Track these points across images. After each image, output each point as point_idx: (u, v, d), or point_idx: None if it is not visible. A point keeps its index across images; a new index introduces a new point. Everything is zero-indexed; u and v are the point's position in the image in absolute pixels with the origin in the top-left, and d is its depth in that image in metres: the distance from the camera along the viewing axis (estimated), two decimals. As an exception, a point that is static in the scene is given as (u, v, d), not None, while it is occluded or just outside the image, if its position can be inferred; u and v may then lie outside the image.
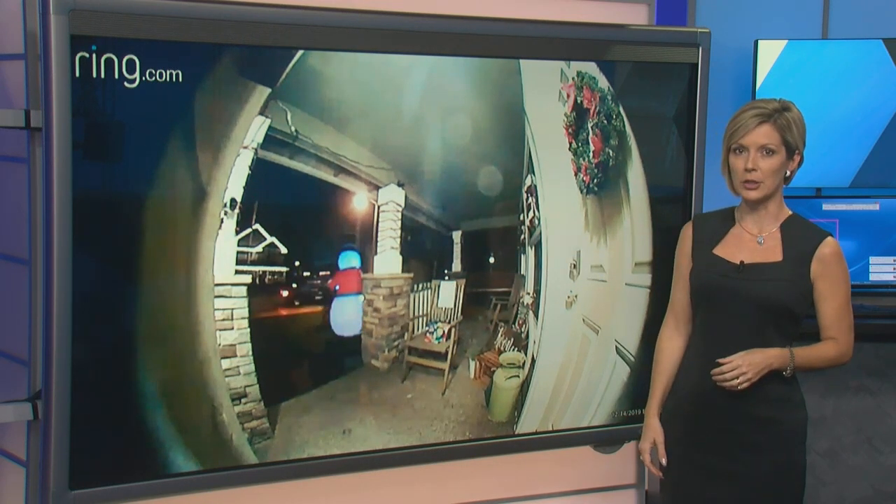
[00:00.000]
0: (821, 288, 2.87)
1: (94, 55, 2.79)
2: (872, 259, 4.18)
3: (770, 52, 4.19)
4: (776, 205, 2.93)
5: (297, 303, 3.14)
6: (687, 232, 3.05)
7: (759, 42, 4.19)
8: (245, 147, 3.03)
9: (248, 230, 3.07)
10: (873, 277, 4.19)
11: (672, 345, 3.07)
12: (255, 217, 3.07)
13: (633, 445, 3.73)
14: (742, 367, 2.81)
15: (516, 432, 3.48)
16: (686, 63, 3.57)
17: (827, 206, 4.19)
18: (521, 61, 3.35)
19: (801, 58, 4.20)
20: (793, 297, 2.86)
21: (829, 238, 2.90)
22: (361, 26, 3.10)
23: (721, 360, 2.84)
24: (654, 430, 3.03)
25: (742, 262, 2.91)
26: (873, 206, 4.18)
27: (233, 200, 3.04)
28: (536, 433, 3.51)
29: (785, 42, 4.20)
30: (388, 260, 3.27)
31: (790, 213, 2.96)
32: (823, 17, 4.37)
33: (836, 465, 4.16)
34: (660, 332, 3.13)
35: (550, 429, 3.53)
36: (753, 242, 2.93)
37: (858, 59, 4.20)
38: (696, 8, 4.15)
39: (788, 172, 2.90)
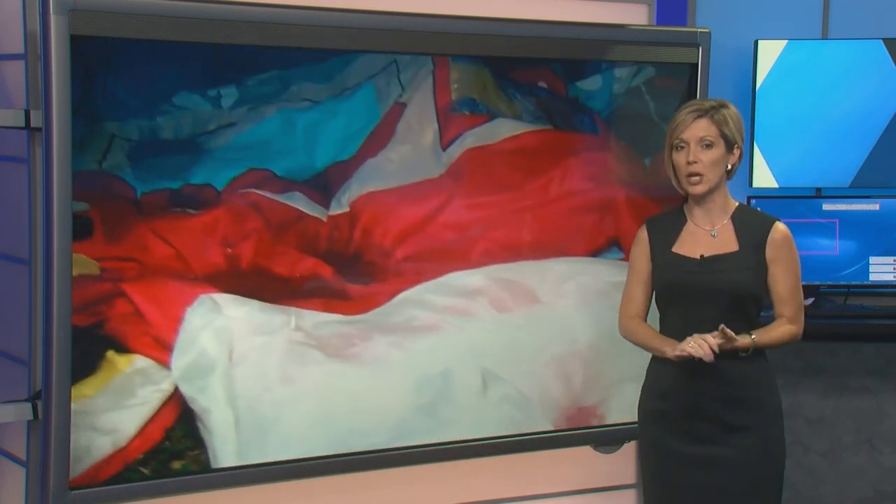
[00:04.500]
0: (774, 270, 2.99)
1: (93, 55, 2.79)
2: (872, 259, 4.18)
3: (770, 52, 4.19)
4: (723, 197, 3.04)
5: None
6: (642, 235, 3.12)
7: (759, 42, 4.19)
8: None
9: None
10: (873, 277, 4.18)
11: (640, 321, 3.10)
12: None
13: (633, 445, 3.73)
14: (706, 346, 2.84)
15: (517, 432, 3.48)
16: (686, 63, 3.57)
17: (827, 206, 4.19)
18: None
19: (801, 58, 4.20)
20: (755, 282, 2.98)
21: (779, 223, 3.03)
22: (362, 26, 3.10)
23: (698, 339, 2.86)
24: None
25: (702, 256, 3.00)
26: (873, 206, 4.18)
27: None
28: (536, 433, 3.51)
29: (785, 42, 4.19)
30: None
31: (737, 203, 3.08)
32: (823, 17, 4.37)
33: (836, 465, 4.15)
34: (624, 321, 3.13)
35: (550, 429, 3.54)
36: (707, 236, 3.03)
37: (858, 59, 4.20)
38: (696, 8, 4.15)
39: (730, 166, 3.01)
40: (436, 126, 3.24)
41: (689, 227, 3.06)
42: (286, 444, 3.13)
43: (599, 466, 3.85)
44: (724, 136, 2.96)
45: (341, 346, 3.16)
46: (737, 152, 3.00)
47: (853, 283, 4.20)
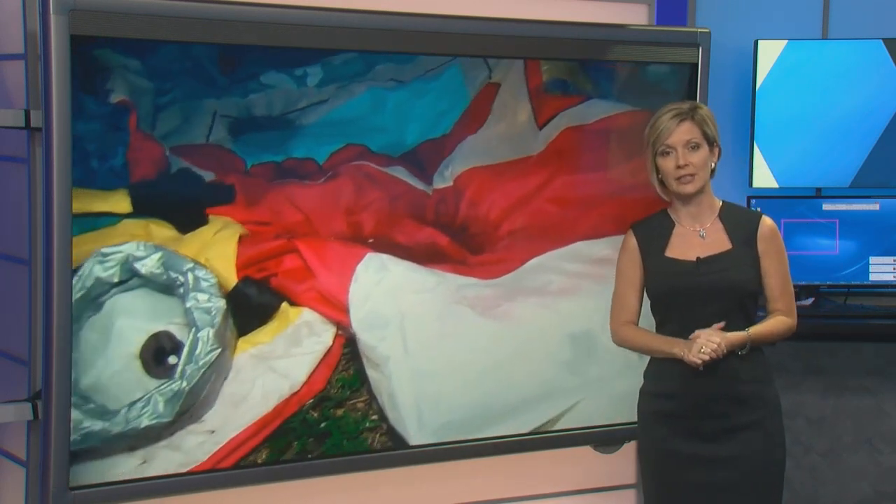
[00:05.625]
0: (766, 264, 3.01)
1: (93, 55, 2.80)
2: (872, 259, 4.18)
3: (770, 52, 4.18)
4: (709, 198, 3.06)
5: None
6: (630, 241, 3.10)
7: (759, 42, 4.19)
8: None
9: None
10: (873, 277, 4.18)
11: (635, 327, 3.09)
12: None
13: (632, 445, 3.73)
14: (721, 346, 2.88)
15: (516, 432, 3.49)
16: (686, 63, 3.57)
17: (827, 206, 4.19)
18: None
19: (801, 58, 4.20)
20: (754, 278, 3.00)
21: (765, 216, 3.07)
22: (361, 26, 3.11)
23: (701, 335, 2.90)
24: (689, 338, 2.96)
25: (698, 258, 3.00)
26: (873, 206, 4.18)
27: None
28: (536, 433, 3.51)
29: (785, 42, 4.19)
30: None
31: (721, 202, 3.09)
32: (823, 17, 4.37)
33: (836, 465, 4.16)
34: (617, 328, 3.11)
35: (550, 429, 3.54)
36: (697, 237, 3.03)
37: (858, 59, 4.20)
38: (696, 8, 4.15)
39: (713, 165, 3.03)
40: (529, 106, 3.39)
41: (678, 229, 3.05)
42: (449, 393, 3.36)
43: (599, 466, 3.85)
44: (706, 135, 2.98)
45: (488, 305, 3.39)
46: (716, 151, 3.02)
47: (853, 283, 4.20)
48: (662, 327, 3.04)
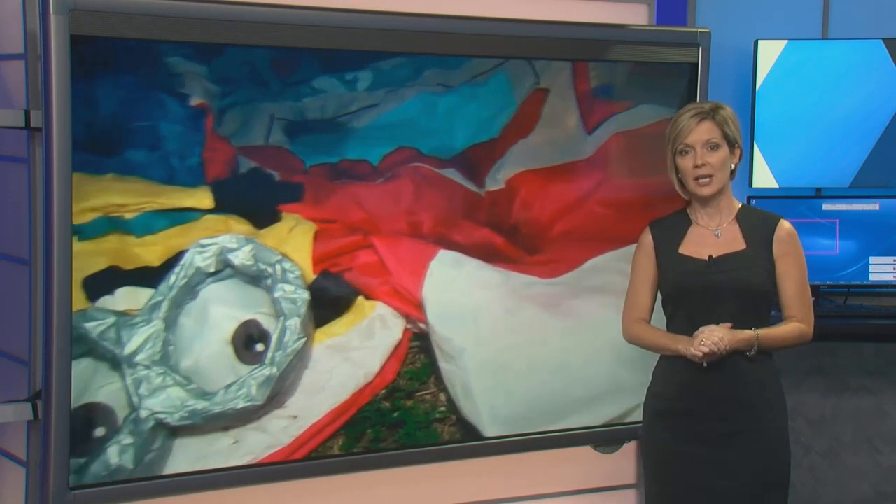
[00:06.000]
0: (782, 267, 2.99)
1: (93, 55, 2.80)
2: (872, 259, 4.18)
3: (770, 52, 4.19)
4: (728, 198, 3.05)
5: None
6: (646, 238, 3.11)
7: (759, 42, 4.19)
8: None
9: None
10: (873, 277, 4.19)
11: (646, 324, 3.09)
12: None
13: (633, 445, 3.73)
14: (724, 340, 2.87)
15: (518, 432, 3.49)
16: (686, 63, 3.57)
17: (827, 206, 4.19)
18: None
19: (801, 58, 4.20)
20: (766, 279, 2.98)
21: (783, 220, 3.04)
22: (361, 26, 3.11)
23: (704, 330, 2.90)
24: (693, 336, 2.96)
25: (711, 257, 2.99)
26: (873, 206, 4.18)
27: None
28: (536, 433, 3.51)
29: (785, 42, 4.20)
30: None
31: (740, 203, 3.08)
32: (823, 17, 4.37)
33: (836, 465, 4.16)
34: (628, 325, 3.12)
35: (550, 429, 3.54)
36: (712, 237, 3.03)
37: (858, 59, 4.20)
38: (696, 8, 4.15)
39: (732, 166, 3.02)
40: (577, 111, 3.46)
41: (694, 228, 3.05)
42: (520, 386, 3.46)
43: (599, 466, 3.85)
44: (726, 136, 2.97)
45: (553, 303, 3.50)
46: (737, 152, 3.01)
47: (853, 283, 4.20)
48: (672, 324, 3.04)
